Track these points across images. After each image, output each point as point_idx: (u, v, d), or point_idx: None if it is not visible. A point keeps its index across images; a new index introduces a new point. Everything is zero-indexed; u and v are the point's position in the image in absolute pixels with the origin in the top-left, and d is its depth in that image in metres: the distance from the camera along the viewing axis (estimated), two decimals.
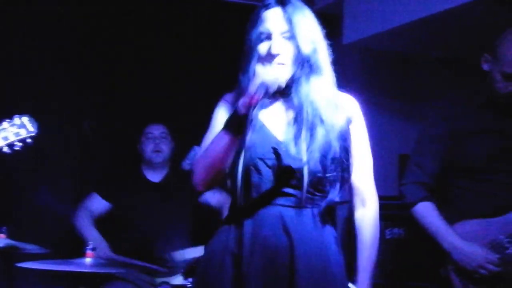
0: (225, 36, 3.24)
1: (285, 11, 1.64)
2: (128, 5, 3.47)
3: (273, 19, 1.64)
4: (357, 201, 1.75)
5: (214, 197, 3.14)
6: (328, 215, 1.69)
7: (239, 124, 1.54)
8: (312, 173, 1.59)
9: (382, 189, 2.37)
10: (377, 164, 2.72)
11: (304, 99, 1.62)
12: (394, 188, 2.79)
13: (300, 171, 1.58)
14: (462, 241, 2.16)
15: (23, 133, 2.08)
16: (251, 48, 1.65)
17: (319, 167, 1.60)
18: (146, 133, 3.18)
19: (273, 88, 1.54)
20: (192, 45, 3.57)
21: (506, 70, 2.18)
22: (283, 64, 1.62)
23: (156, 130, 3.18)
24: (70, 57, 3.31)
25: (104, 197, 3.09)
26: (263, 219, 1.60)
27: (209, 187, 1.67)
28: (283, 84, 1.61)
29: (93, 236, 2.92)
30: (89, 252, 2.34)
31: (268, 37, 1.63)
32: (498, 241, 2.17)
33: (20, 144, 2.08)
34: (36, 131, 2.11)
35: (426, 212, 2.25)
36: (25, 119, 2.10)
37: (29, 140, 2.09)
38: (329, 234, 1.67)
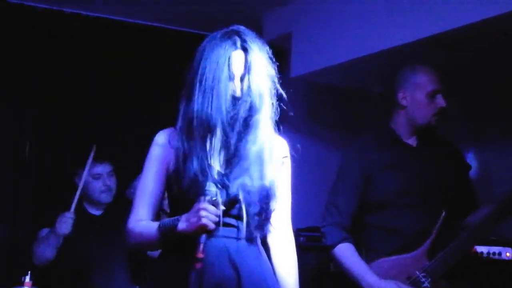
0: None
1: (246, 56, 1.69)
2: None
3: (237, 61, 1.68)
4: (274, 238, 1.78)
5: None
6: (261, 247, 1.74)
7: (172, 236, 1.58)
8: (254, 204, 1.63)
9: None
10: (317, 193, 2.75)
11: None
12: None
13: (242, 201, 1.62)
14: (380, 280, 2.18)
15: None
16: (208, 75, 1.65)
17: (258, 198, 1.64)
18: (93, 174, 3.00)
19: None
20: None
21: (430, 88, 2.30)
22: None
23: (103, 170, 3.03)
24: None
25: None
26: (209, 252, 1.58)
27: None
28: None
29: None
30: (27, 281, 2.30)
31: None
32: (414, 277, 2.21)
33: None
34: None
35: (345, 253, 2.26)
36: None
37: None
38: (267, 265, 1.72)
